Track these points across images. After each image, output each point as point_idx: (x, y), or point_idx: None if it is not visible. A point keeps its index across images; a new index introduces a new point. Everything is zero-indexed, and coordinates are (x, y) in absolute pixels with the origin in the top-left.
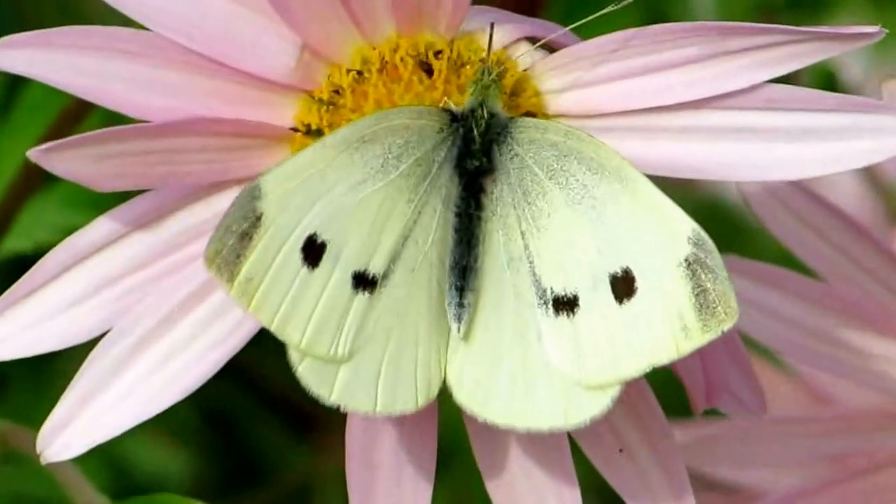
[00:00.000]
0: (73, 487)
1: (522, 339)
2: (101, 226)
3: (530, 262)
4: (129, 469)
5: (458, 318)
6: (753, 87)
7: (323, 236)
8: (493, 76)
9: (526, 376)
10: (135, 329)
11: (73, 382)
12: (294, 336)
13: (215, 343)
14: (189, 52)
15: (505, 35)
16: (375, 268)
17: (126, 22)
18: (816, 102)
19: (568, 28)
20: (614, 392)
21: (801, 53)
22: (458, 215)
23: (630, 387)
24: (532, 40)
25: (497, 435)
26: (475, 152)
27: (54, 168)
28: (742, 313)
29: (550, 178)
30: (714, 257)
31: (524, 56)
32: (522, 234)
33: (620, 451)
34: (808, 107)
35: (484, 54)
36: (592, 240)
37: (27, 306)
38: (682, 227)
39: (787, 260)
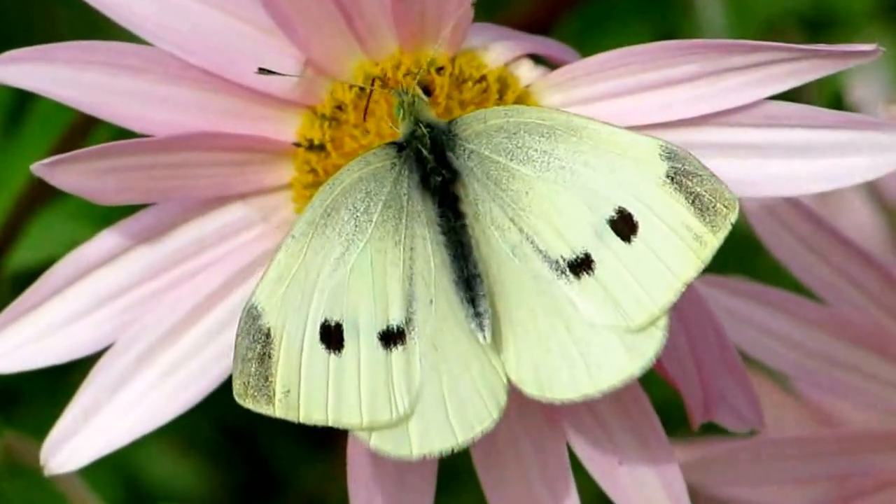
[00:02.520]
0: (78, 500)
1: (559, 314)
2: (106, 240)
3: (531, 243)
4: (143, 481)
5: (481, 327)
6: (753, 104)
7: (334, 318)
8: (410, 94)
9: (578, 345)
10: (139, 341)
11: (76, 395)
12: (353, 420)
13: (219, 355)
14: (192, 67)
15: (507, 51)
16: (396, 319)
17: (133, 37)
18: (814, 119)
19: None
20: (664, 322)
21: (801, 71)
22: (445, 233)
23: (630, 403)
24: (535, 57)
25: (499, 452)
26: (433, 168)
27: (57, 182)
28: (746, 335)
29: (512, 160)
30: (691, 161)
31: (526, 72)
32: (512, 220)
33: (620, 463)
34: (806, 123)
35: (485, 71)
36: (577, 197)
37: (32, 319)
38: (649, 148)
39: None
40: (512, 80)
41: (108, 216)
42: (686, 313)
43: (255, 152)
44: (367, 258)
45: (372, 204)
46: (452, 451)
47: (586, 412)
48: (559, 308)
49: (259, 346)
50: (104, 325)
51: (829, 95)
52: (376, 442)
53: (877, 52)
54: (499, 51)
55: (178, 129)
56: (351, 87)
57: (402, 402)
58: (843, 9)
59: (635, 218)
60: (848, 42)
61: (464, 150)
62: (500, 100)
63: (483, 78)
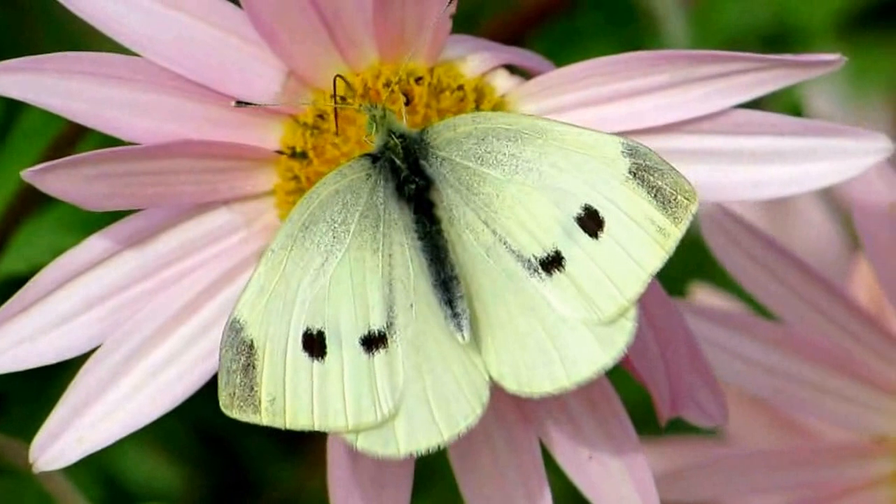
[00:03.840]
0: (64, 500)
1: (534, 311)
2: (94, 244)
3: (505, 243)
4: (122, 482)
5: (459, 327)
6: (721, 112)
7: (316, 326)
8: (379, 108)
9: (553, 340)
10: (126, 343)
11: (65, 395)
12: (339, 423)
13: (204, 356)
14: (178, 77)
15: (484, 62)
16: (377, 324)
17: (119, 48)
18: (781, 126)
19: None
20: (633, 313)
21: (767, 80)
22: (422, 238)
23: (601, 401)
24: (510, 68)
25: (475, 451)
26: (407, 177)
27: (47, 188)
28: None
29: (482, 164)
30: (651, 156)
31: (502, 82)
32: (485, 223)
33: (590, 458)
34: (772, 130)
35: (462, 80)
36: (545, 197)
37: (20, 322)
38: (611, 146)
39: None
40: (488, 89)
41: (92, 224)
42: (654, 313)
43: (239, 160)
44: (346, 267)
45: (349, 215)
46: (438, 447)
47: (559, 410)
48: (534, 305)
49: (243, 358)
50: (93, 326)
51: (788, 108)
52: (363, 443)
53: (839, 61)
54: (476, 61)
55: (164, 137)
56: (332, 96)
57: (386, 404)
58: (803, 25)
59: (601, 214)
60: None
61: (436, 158)
62: (477, 108)
63: (460, 87)
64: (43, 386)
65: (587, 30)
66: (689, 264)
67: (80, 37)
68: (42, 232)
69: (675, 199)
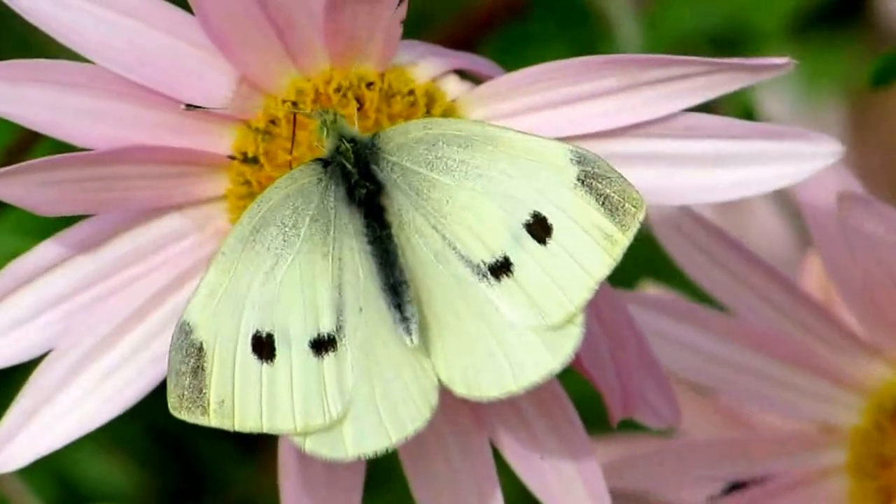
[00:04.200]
0: (17, 500)
1: (482, 316)
2: (46, 250)
3: (454, 249)
4: (76, 483)
5: (408, 331)
6: (672, 116)
7: (265, 329)
8: (329, 113)
9: (501, 345)
10: (78, 347)
11: (17, 398)
12: (287, 426)
13: (155, 359)
14: (131, 83)
15: (435, 67)
16: (326, 328)
17: (77, 56)
18: (730, 130)
19: None
20: (580, 319)
21: (715, 84)
22: (372, 243)
23: (552, 403)
24: (461, 73)
25: (427, 453)
26: (357, 182)
27: (1, 194)
28: (655, 346)
29: (432, 170)
30: (599, 164)
31: (453, 87)
32: (434, 228)
33: (542, 458)
34: (722, 134)
35: (413, 85)
36: (494, 203)
37: None
38: (560, 153)
39: None
40: (439, 94)
41: (52, 230)
42: (605, 315)
43: (192, 165)
44: (296, 271)
45: (300, 219)
46: (386, 450)
47: (511, 412)
48: (482, 310)
49: (192, 360)
50: (45, 330)
51: (740, 110)
52: (311, 445)
53: (788, 64)
54: (427, 66)
55: (118, 143)
56: (284, 101)
57: (335, 407)
58: (755, 28)
59: (550, 221)
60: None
61: (387, 163)
62: (428, 113)
63: (411, 92)
64: None
65: (539, 34)
66: (640, 260)
67: (42, 47)
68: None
69: (622, 207)
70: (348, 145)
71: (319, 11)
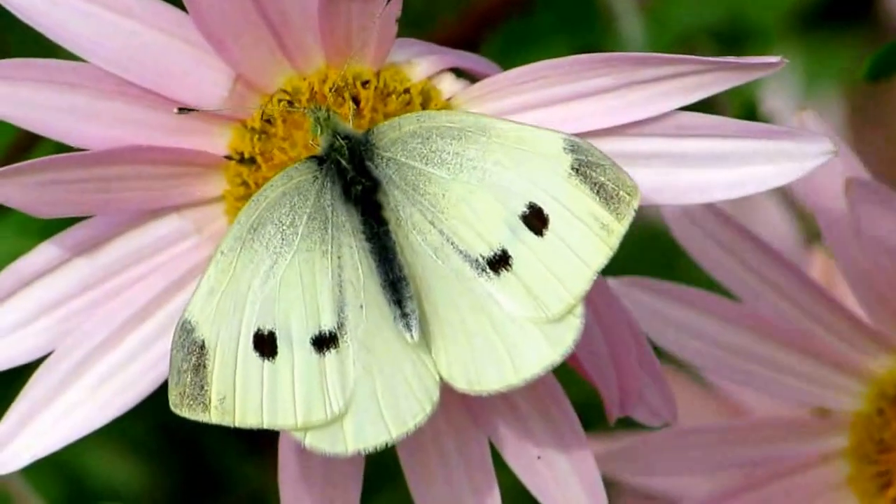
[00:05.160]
0: (20, 499)
1: (482, 310)
2: (44, 252)
3: (452, 243)
4: (84, 481)
5: (408, 327)
6: (666, 115)
7: (266, 327)
8: (323, 110)
9: (502, 340)
10: (78, 349)
11: (18, 399)
12: (288, 422)
13: (155, 361)
14: (127, 83)
15: (430, 66)
16: (328, 325)
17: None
18: (724, 129)
19: None
20: (580, 310)
21: (710, 83)
22: (370, 240)
23: (550, 402)
24: (457, 71)
25: (424, 451)
26: (353, 179)
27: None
28: (661, 331)
29: (427, 164)
30: (593, 152)
31: (448, 85)
32: (432, 223)
33: (539, 458)
34: (717, 133)
35: (408, 84)
36: (490, 195)
37: None
38: (554, 142)
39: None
40: (434, 92)
41: (53, 232)
42: (602, 312)
43: (189, 165)
44: (295, 269)
45: (297, 217)
46: (386, 445)
47: (508, 410)
48: (482, 304)
49: (194, 358)
50: (44, 333)
51: (743, 106)
52: (311, 441)
53: (780, 63)
54: (422, 65)
55: (113, 143)
56: (279, 101)
57: (336, 403)
58: (756, 24)
59: (545, 211)
60: (759, 55)
61: (382, 159)
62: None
63: (407, 91)
64: None
65: (541, 31)
66: (641, 260)
67: (50, 49)
68: (2, 237)
69: (617, 195)
70: (343, 142)
71: (314, 9)
